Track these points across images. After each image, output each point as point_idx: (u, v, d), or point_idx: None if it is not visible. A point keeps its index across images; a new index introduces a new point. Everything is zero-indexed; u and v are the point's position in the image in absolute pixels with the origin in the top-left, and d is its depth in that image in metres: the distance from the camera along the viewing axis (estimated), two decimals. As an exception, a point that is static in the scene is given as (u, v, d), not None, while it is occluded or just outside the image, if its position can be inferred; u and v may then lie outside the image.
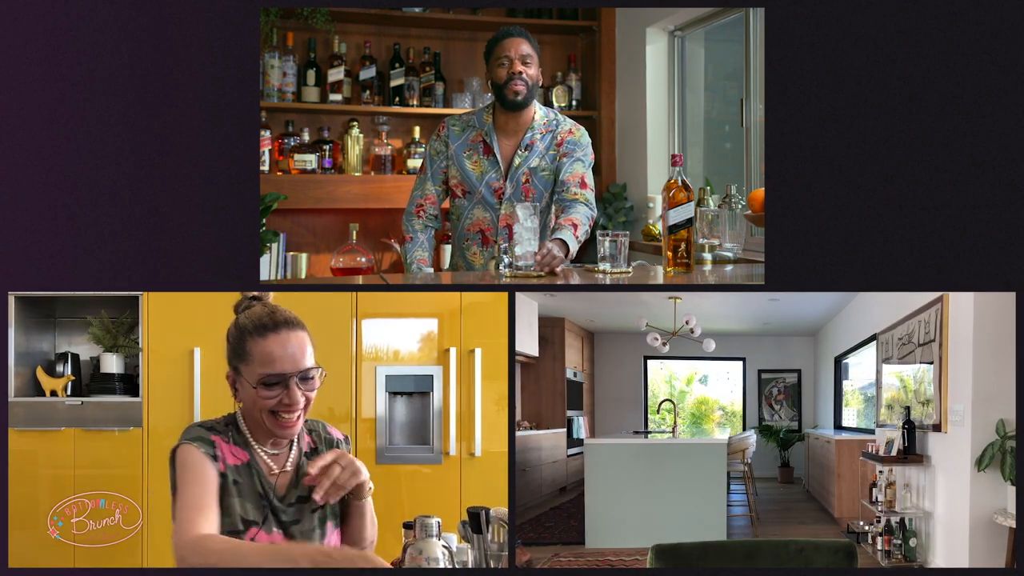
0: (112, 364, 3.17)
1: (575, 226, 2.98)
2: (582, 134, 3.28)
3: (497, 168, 3.20)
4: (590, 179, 3.21)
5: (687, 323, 5.27)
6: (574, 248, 2.94)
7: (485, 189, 3.20)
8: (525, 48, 3.16)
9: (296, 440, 1.86)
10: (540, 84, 3.25)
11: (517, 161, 3.19)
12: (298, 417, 1.79)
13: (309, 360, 1.78)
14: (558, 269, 2.79)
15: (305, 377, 1.77)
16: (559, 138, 3.23)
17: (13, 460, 2.51)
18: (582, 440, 6.13)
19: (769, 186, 2.13)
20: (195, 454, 1.73)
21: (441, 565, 1.77)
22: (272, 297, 1.86)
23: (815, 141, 2.10)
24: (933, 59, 2.09)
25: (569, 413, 6.37)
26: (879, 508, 3.69)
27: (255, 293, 1.85)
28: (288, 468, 1.84)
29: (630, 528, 4.25)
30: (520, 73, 3.13)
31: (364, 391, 3.08)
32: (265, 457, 1.82)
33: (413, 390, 3.10)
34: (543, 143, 3.21)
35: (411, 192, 3.32)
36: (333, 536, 1.86)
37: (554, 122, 3.25)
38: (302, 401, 1.77)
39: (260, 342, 1.75)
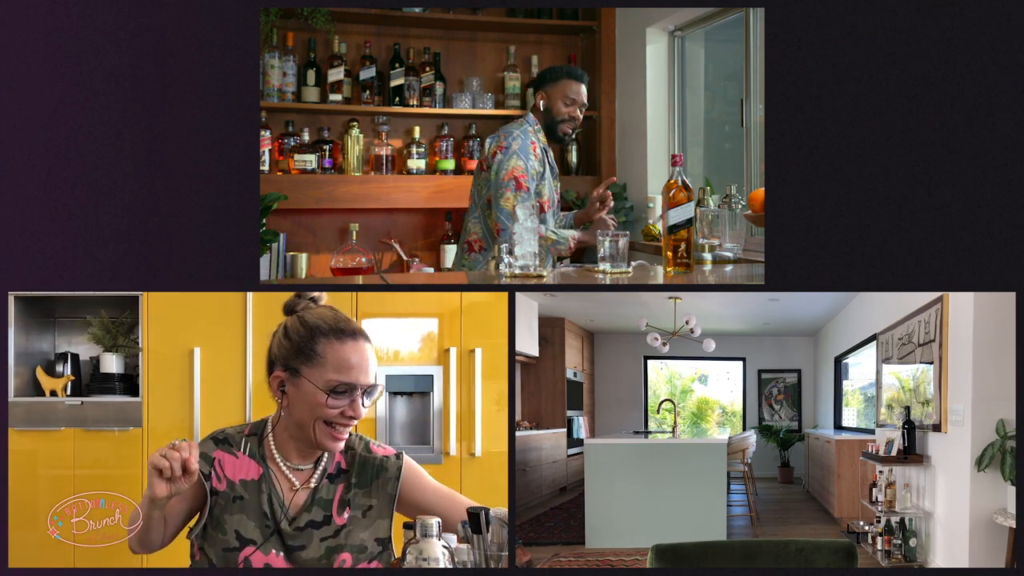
0: (112, 364, 3.17)
1: None
2: None
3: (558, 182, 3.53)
4: None
5: (687, 323, 5.27)
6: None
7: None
8: (586, 96, 3.48)
9: (325, 457, 1.79)
10: None
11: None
12: (349, 431, 1.74)
13: (374, 375, 1.73)
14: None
15: (370, 392, 1.72)
16: None
17: (13, 460, 2.51)
18: (582, 440, 6.13)
19: (769, 186, 2.13)
20: None
21: (441, 565, 1.77)
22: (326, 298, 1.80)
23: (815, 141, 2.10)
24: (933, 59, 2.09)
25: (569, 413, 6.37)
26: (879, 508, 3.69)
27: (313, 294, 1.78)
28: (311, 485, 1.77)
29: (630, 528, 4.25)
30: (579, 120, 3.48)
31: (364, 391, 3.07)
32: (287, 472, 1.76)
33: (413, 390, 3.10)
34: None
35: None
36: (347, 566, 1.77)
37: None
38: (363, 415, 1.71)
39: (337, 346, 1.69)
